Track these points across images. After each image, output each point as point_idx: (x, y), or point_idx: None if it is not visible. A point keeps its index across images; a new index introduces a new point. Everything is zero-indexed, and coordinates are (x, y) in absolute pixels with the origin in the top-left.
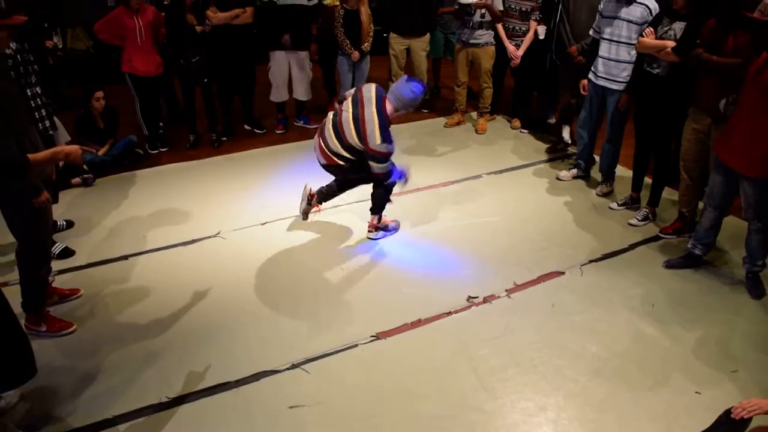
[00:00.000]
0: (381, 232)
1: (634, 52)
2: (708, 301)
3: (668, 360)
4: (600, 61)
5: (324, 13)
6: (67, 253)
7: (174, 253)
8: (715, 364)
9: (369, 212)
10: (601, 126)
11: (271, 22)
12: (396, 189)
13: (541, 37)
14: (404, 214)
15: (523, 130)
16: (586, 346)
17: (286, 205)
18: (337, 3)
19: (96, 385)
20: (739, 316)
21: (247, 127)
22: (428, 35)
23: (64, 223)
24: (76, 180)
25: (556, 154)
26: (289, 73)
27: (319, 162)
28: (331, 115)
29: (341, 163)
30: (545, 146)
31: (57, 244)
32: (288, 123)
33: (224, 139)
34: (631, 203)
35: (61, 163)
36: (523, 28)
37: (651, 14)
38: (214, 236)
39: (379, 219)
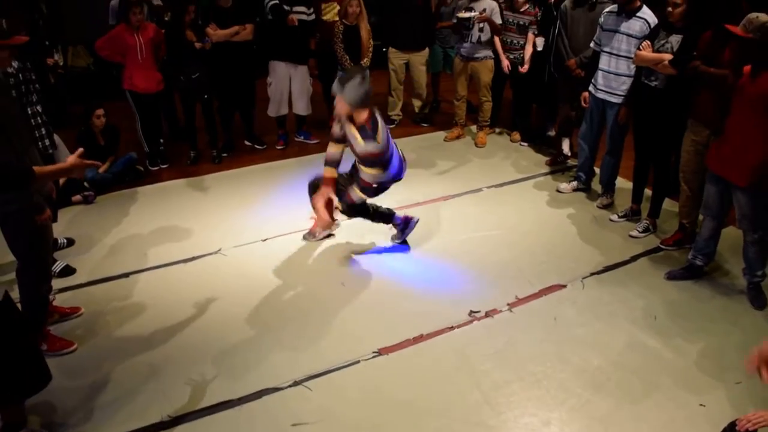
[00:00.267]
0: (405, 231)
1: (633, 65)
2: (710, 313)
3: (671, 372)
4: (600, 73)
5: (323, 28)
6: (67, 271)
7: (175, 270)
8: (719, 376)
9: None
10: (602, 138)
11: (271, 33)
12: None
13: (539, 48)
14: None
15: (522, 143)
16: (588, 359)
17: (288, 221)
18: (337, 19)
19: (97, 403)
20: (742, 327)
21: (247, 143)
22: (427, 50)
23: (65, 240)
24: (77, 197)
25: (556, 166)
26: (289, 88)
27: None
28: None
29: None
30: (545, 159)
31: (58, 262)
32: (288, 139)
33: (225, 155)
34: (632, 215)
35: (61, 181)
36: (521, 42)
37: (650, 28)
38: (215, 253)
39: (400, 225)
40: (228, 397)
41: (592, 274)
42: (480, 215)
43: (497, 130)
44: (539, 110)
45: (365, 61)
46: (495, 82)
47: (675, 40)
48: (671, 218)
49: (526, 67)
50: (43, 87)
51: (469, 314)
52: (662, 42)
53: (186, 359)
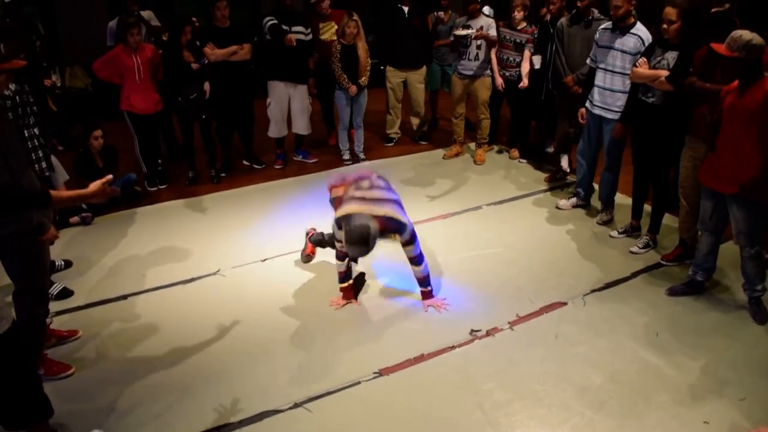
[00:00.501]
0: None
1: (628, 81)
2: (711, 328)
3: (674, 390)
4: (596, 90)
5: (321, 47)
6: (65, 293)
7: (174, 291)
8: (722, 393)
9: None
10: (600, 154)
11: (270, 53)
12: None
13: (537, 66)
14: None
15: (521, 160)
16: (591, 377)
17: (287, 241)
18: (334, 38)
19: (95, 428)
20: (744, 343)
21: (246, 162)
22: (425, 68)
23: (63, 263)
24: (75, 219)
25: (556, 183)
26: (288, 107)
27: None
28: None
29: None
30: (544, 176)
31: (55, 285)
32: (287, 158)
33: (223, 175)
34: (632, 231)
35: None
36: (518, 59)
37: (644, 44)
38: (214, 274)
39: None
40: (228, 419)
41: (593, 291)
42: (480, 233)
43: (496, 147)
44: (538, 127)
45: (363, 80)
46: (493, 99)
47: (671, 56)
48: (671, 234)
49: (525, 81)
50: (41, 109)
51: (470, 333)
52: (658, 59)
53: (185, 381)
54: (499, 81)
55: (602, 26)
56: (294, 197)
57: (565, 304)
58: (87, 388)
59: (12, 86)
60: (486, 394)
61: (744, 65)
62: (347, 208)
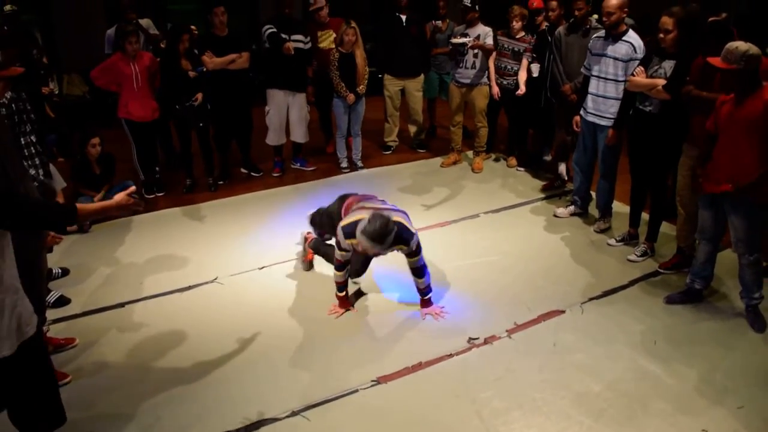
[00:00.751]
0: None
1: (621, 88)
2: (709, 336)
3: (672, 398)
4: (590, 97)
5: (319, 56)
6: (62, 301)
7: (171, 299)
8: (720, 401)
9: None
10: (596, 161)
11: (269, 62)
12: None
13: (535, 74)
14: (401, 256)
15: (519, 168)
16: (589, 385)
17: (284, 248)
18: (333, 46)
19: None
20: (742, 351)
21: (243, 170)
22: (422, 76)
23: (60, 270)
24: (72, 227)
25: (553, 191)
26: (286, 115)
27: None
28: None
29: None
30: (542, 184)
31: (52, 293)
32: (285, 166)
33: (221, 182)
34: (630, 239)
35: None
36: (516, 68)
37: (636, 51)
38: (212, 282)
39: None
40: (226, 428)
41: (591, 299)
42: (477, 241)
43: (494, 155)
44: (536, 135)
45: (361, 88)
46: (490, 107)
47: (668, 65)
48: (669, 242)
49: (522, 88)
50: (39, 117)
51: (468, 341)
52: (655, 68)
53: (182, 390)
54: (495, 90)
55: (596, 34)
56: (292, 205)
57: (562, 312)
58: (84, 396)
59: (8, 94)
60: (484, 402)
61: (742, 76)
62: (358, 215)
